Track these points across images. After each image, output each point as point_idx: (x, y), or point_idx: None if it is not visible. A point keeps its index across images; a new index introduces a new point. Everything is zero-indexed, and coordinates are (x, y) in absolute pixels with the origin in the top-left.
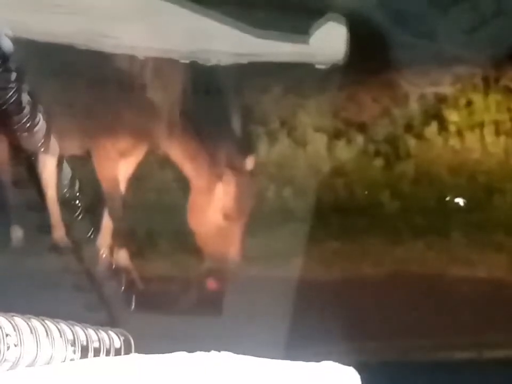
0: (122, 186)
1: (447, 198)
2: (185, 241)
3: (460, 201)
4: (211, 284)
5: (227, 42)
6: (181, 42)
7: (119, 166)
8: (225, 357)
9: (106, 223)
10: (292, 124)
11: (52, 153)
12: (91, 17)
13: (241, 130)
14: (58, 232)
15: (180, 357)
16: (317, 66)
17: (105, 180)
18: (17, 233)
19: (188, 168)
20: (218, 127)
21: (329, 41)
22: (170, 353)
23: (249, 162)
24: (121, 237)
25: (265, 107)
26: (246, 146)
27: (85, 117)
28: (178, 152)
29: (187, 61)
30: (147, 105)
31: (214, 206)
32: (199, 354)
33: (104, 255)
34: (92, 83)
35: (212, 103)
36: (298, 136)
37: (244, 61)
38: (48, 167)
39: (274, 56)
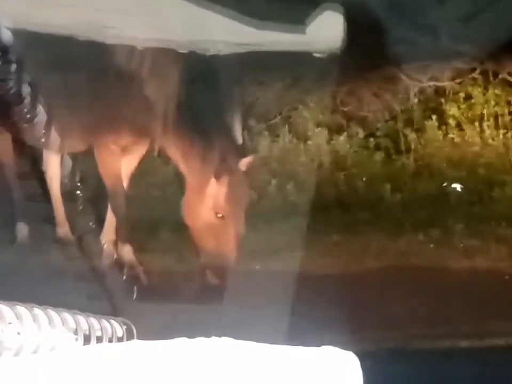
0: (125, 183)
1: (444, 184)
2: (186, 235)
3: (457, 186)
4: (210, 278)
5: (225, 32)
6: (180, 33)
7: (121, 163)
8: (226, 342)
9: (110, 218)
10: (293, 119)
11: (53, 148)
12: (91, 8)
13: (239, 129)
14: (63, 227)
15: (181, 342)
16: (315, 55)
17: (107, 177)
18: (22, 229)
19: (182, 164)
20: (215, 125)
21: (326, 30)
22: (171, 339)
23: (245, 162)
24: (125, 232)
25: (266, 103)
26: (242, 146)
27: (86, 112)
28: (173, 148)
29: (186, 51)
30: (145, 100)
31: (206, 204)
32: (199, 340)
33: (107, 250)
34: (90, 75)
35: (209, 101)
36: (300, 131)
37: (242, 50)
38: (52, 164)
39: (272, 46)
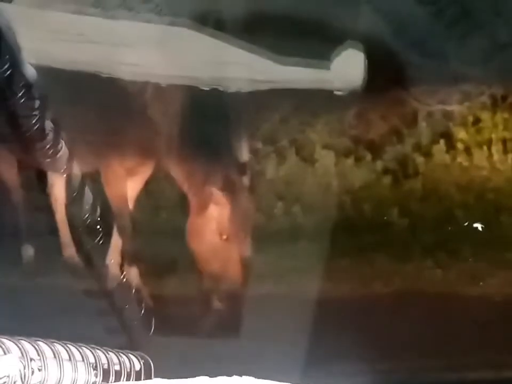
0: (131, 204)
1: (466, 224)
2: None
3: (479, 226)
4: (215, 304)
5: (248, 69)
6: (202, 70)
7: (127, 184)
8: (247, 381)
9: (116, 241)
10: (301, 142)
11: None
12: (112, 45)
13: (245, 150)
14: (69, 250)
15: (202, 381)
16: (336, 92)
17: (114, 198)
18: (28, 252)
19: (186, 186)
20: (219, 146)
21: (348, 68)
22: (192, 378)
23: (246, 183)
24: (131, 255)
25: (273, 125)
26: (247, 167)
27: (94, 137)
28: (176, 169)
29: (208, 88)
30: (150, 123)
31: (210, 226)
32: (221, 379)
33: (113, 272)
34: (99, 102)
35: (214, 124)
36: (307, 154)
37: (265, 87)
38: (57, 186)
39: (295, 83)
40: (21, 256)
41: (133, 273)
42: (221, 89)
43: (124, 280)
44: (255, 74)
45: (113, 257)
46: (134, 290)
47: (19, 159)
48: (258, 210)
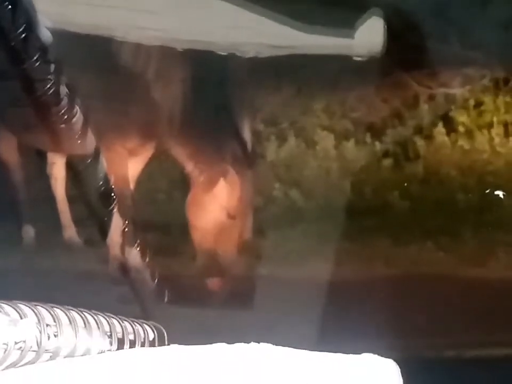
0: (132, 184)
1: (487, 191)
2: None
3: (500, 193)
4: (211, 282)
5: (268, 35)
6: (222, 35)
7: (128, 164)
8: (266, 348)
9: (116, 221)
10: (301, 124)
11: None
12: (130, 9)
13: (248, 130)
14: (69, 231)
15: (220, 348)
16: (355, 58)
17: (115, 178)
18: (28, 232)
19: (189, 164)
20: (224, 125)
21: (370, 35)
22: (209, 344)
23: (254, 161)
24: (132, 235)
25: (274, 107)
26: (251, 145)
27: (97, 114)
28: (180, 150)
29: (225, 53)
30: (152, 102)
31: (215, 203)
32: (239, 346)
33: (114, 253)
34: (100, 76)
35: (218, 101)
36: (308, 136)
37: (283, 53)
38: (57, 167)
39: (315, 49)
40: (21, 237)
41: (133, 254)
42: (239, 54)
43: (126, 259)
44: (274, 40)
45: (114, 237)
46: (141, 267)
47: (19, 139)
48: (258, 192)
